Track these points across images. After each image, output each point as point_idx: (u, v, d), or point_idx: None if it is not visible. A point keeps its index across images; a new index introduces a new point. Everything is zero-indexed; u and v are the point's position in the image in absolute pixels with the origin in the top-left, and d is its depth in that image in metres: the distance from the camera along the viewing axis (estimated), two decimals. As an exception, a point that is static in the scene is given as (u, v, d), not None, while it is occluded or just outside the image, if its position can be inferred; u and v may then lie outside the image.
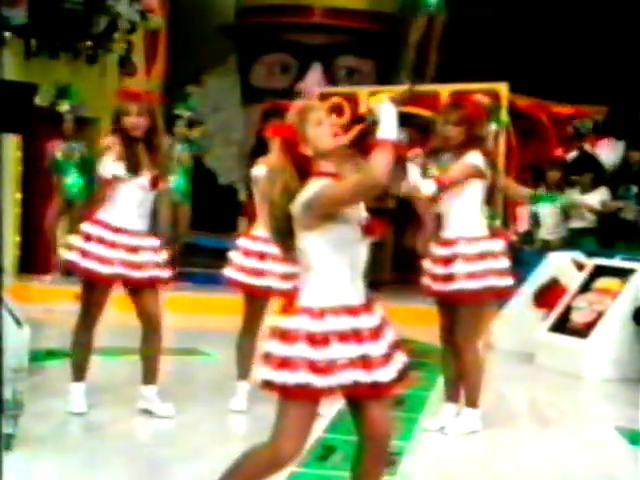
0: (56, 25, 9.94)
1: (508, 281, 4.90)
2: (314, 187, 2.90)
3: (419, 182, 4.83)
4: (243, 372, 5.22)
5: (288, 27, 12.55)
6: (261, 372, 2.96)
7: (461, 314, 4.85)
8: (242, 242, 5.24)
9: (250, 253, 5.14)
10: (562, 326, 7.11)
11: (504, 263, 4.89)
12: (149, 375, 5.05)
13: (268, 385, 2.93)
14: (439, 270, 4.88)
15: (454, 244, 4.86)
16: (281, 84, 12.69)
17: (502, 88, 9.40)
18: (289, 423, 2.92)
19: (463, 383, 4.98)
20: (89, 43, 10.53)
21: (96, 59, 10.70)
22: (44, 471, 4.15)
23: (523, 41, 10.95)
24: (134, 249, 4.92)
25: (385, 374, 2.97)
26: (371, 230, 2.96)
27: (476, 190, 4.87)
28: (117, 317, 5.66)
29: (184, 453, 4.47)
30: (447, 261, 4.85)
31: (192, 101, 10.97)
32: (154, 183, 4.93)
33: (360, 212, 3.00)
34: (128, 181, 4.88)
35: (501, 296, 5.51)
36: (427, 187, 4.80)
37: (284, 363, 2.88)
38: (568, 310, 7.18)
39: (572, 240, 8.93)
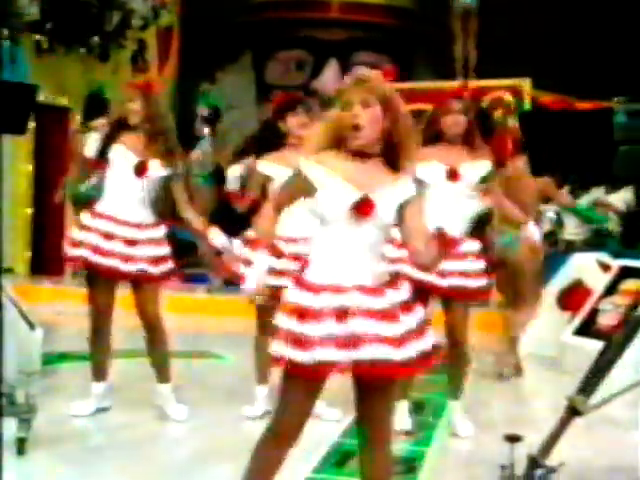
0: (68, 21, 9.85)
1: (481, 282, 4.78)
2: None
3: None
4: (261, 376, 5.06)
5: (304, 23, 12.44)
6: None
7: (459, 310, 4.78)
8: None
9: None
10: (588, 329, 6.94)
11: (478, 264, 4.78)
12: (160, 374, 4.95)
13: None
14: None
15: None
16: (296, 81, 12.57)
17: (525, 84, 9.28)
18: (286, 400, 2.92)
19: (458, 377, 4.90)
20: (101, 39, 10.43)
21: (108, 56, 10.60)
22: (57, 475, 4.08)
23: (547, 37, 10.80)
24: (131, 241, 4.73)
25: (400, 353, 2.83)
26: (362, 211, 2.85)
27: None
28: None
29: (197, 457, 4.39)
30: None
31: (212, 97, 10.84)
32: (140, 170, 4.73)
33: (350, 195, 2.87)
34: (115, 166, 4.74)
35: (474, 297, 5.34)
36: None
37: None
38: (594, 313, 7.01)
39: (596, 241, 8.78)
